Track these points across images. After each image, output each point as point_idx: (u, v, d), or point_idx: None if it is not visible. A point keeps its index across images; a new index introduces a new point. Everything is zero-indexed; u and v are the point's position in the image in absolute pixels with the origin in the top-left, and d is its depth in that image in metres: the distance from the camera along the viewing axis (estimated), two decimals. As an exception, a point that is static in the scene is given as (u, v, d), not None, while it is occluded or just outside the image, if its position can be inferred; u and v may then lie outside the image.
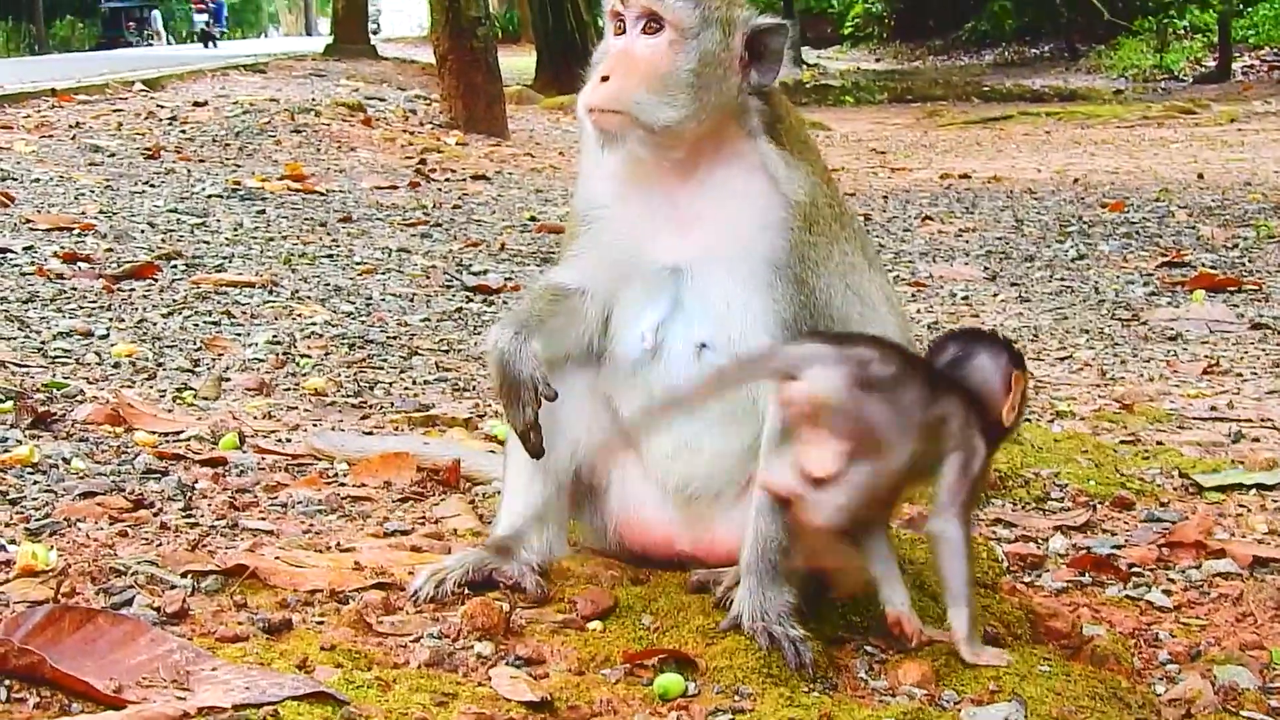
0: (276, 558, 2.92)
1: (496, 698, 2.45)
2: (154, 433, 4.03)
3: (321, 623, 2.66)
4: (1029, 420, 4.89)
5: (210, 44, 47.93)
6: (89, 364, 4.91)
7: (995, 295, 7.27)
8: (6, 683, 2.27)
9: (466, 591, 2.80)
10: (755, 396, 2.79)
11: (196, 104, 15.59)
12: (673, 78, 2.74)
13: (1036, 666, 2.73)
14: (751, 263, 2.77)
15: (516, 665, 2.58)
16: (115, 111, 14.53)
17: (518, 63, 31.10)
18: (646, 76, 2.75)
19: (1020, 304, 7.06)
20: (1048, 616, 3.08)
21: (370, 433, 4.25)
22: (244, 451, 3.93)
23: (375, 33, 61.76)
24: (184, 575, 2.79)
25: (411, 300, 6.66)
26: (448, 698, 2.42)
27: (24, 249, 7.03)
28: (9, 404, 4.10)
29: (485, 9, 16.86)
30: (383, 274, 7.28)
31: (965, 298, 7.21)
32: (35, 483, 3.42)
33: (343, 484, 3.62)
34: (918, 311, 6.83)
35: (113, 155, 11.33)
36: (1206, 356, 5.92)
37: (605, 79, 2.77)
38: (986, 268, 8.05)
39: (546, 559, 2.92)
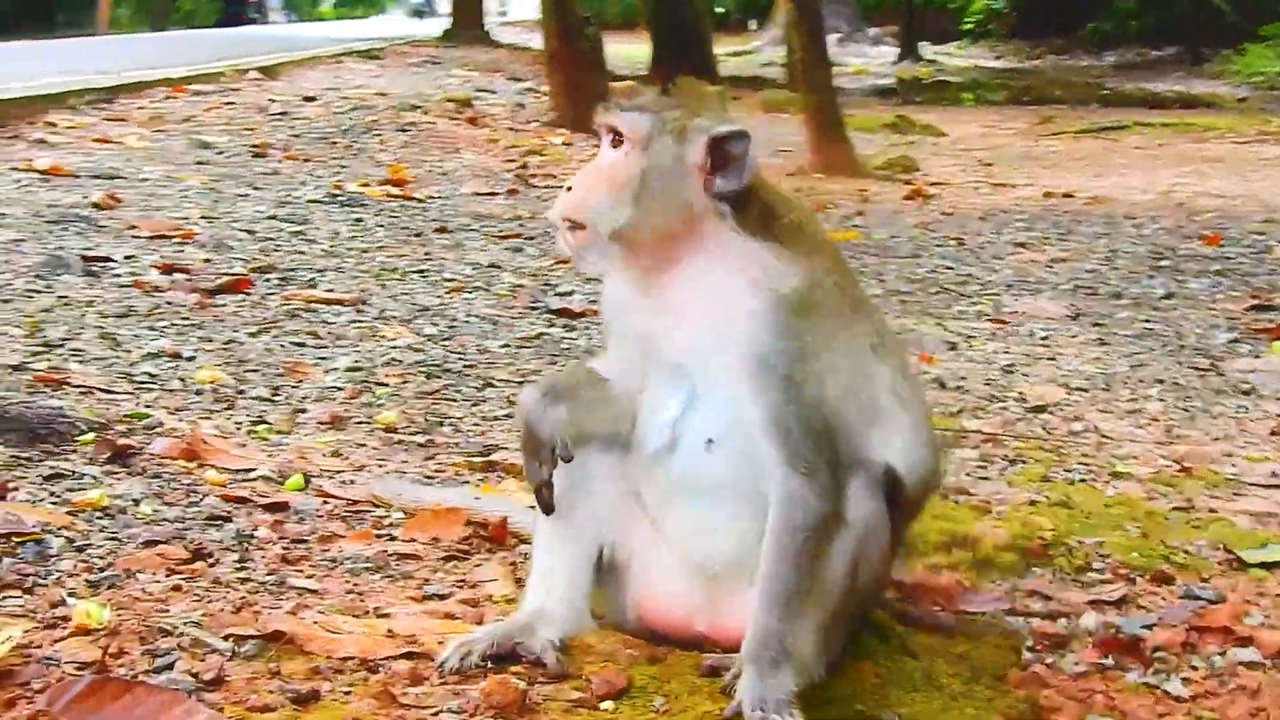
0: (315, 622, 3.09)
1: (503, 779, 2.59)
2: (225, 470, 4.22)
3: (348, 693, 2.82)
4: (1084, 481, 4.96)
5: (422, 17, 48.64)
6: (172, 390, 5.11)
7: (1075, 336, 7.30)
8: (46, 751, 2.45)
9: (489, 665, 2.94)
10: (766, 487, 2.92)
11: (306, 99, 15.88)
12: (626, 187, 2.92)
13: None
14: (738, 357, 2.92)
15: (527, 745, 2.73)
16: (227, 104, 14.86)
17: (634, 52, 31.19)
18: (604, 186, 2.95)
19: (1099, 347, 7.09)
20: (1051, 710, 3.17)
21: (431, 477, 4.41)
22: (307, 494, 4.10)
23: (503, 14, 62.19)
24: (226, 638, 2.96)
25: (495, 324, 6.80)
26: (456, 778, 2.57)
27: (125, 258, 7.28)
28: (91, 436, 4.31)
29: (593, 8, 17.00)
30: (470, 293, 7.43)
31: (1044, 338, 7.25)
32: (103, 529, 3.60)
33: (393, 538, 3.78)
34: (994, 352, 6.88)
35: (220, 153, 11.62)
36: (1278, 415, 5.94)
37: (569, 189, 2.98)
38: (1071, 304, 8.07)
39: (569, 634, 3.06)
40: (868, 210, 11.92)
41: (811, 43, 15.16)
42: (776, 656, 2.85)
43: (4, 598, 3.08)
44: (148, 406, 4.82)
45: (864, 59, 37.86)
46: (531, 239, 9.25)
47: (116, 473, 4.09)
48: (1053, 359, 6.81)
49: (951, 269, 9.16)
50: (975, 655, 3.28)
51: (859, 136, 17.83)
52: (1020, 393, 6.13)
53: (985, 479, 4.96)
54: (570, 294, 7.63)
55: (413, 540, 3.77)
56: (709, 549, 3.02)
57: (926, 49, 39.41)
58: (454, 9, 37.34)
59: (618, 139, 2.98)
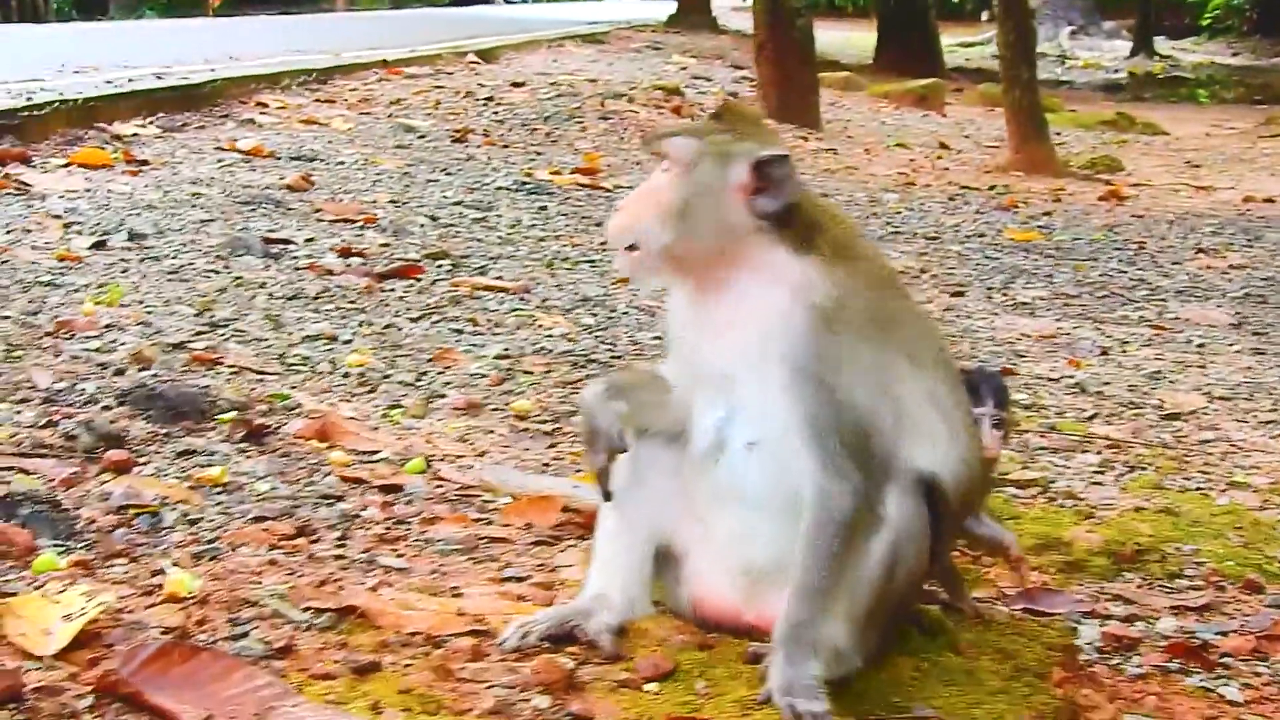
0: (391, 599, 3.31)
1: (535, 751, 2.79)
2: (351, 451, 4.48)
3: (409, 666, 3.04)
4: (1199, 490, 4.99)
5: None
6: (321, 372, 5.39)
7: (1231, 345, 7.26)
8: (116, 706, 2.70)
9: (547, 645, 3.15)
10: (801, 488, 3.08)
11: (515, 84, 16.24)
12: (671, 207, 3.11)
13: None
14: (776, 364, 3.09)
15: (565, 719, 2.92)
16: (438, 88, 15.26)
17: (861, 40, 31.12)
18: (652, 207, 3.15)
19: (1253, 355, 7.04)
20: (1089, 709, 3.26)
21: (548, 465, 4.62)
22: (423, 478, 4.34)
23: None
24: (304, 610, 3.20)
25: (652, 316, 6.98)
26: (491, 748, 2.77)
27: (305, 241, 7.62)
28: (231, 415, 4.61)
29: (806, -1, 17.09)
30: (634, 285, 7.62)
31: (1200, 345, 7.22)
32: (218, 504, 3.88)
33: (489, 522, 3.99)
34: (1145, 358, 6.88)
35: (422, 137, 12.00)
36: None
37: (622, 210, 3.21)
38: (1237, 313, 8.01)
39: (626, 619, 3.25)
40: (1057, 210, 11.87)
41: (1017, 38, 15.07)
42: (805, 645, 3.01)
43: (110, 566, 3.36)
44: (294, 388, 5.11)
45: (1096, 53, 37.23)
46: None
47: (248, 451, 4.38)
48: (1203, 367, 6.79)
49: (1125, 273, 9.12)
50: (1023, 653, 3.38)
51: (1072, 133, 17.69)
52: (1160, 400, 6.13)
53: (1099, 484, 5.02)
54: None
55: (508, 525, 3.98)
56: (751, 553, 3.19)
57: (1162, 44, 38.58)
58: (681, -5, 37.57)
59: (670, 164, 3.15)
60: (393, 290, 6.89)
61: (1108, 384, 6.38)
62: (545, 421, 5.15)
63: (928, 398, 3.20)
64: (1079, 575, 4.24)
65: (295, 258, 7.31)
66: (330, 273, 7.06)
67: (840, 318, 3.11)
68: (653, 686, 3.07)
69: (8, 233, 7.18)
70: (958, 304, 7.95)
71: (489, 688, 2.99)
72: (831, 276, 3.13)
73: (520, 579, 3.59)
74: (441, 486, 4.29)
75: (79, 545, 3.45)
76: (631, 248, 3.17)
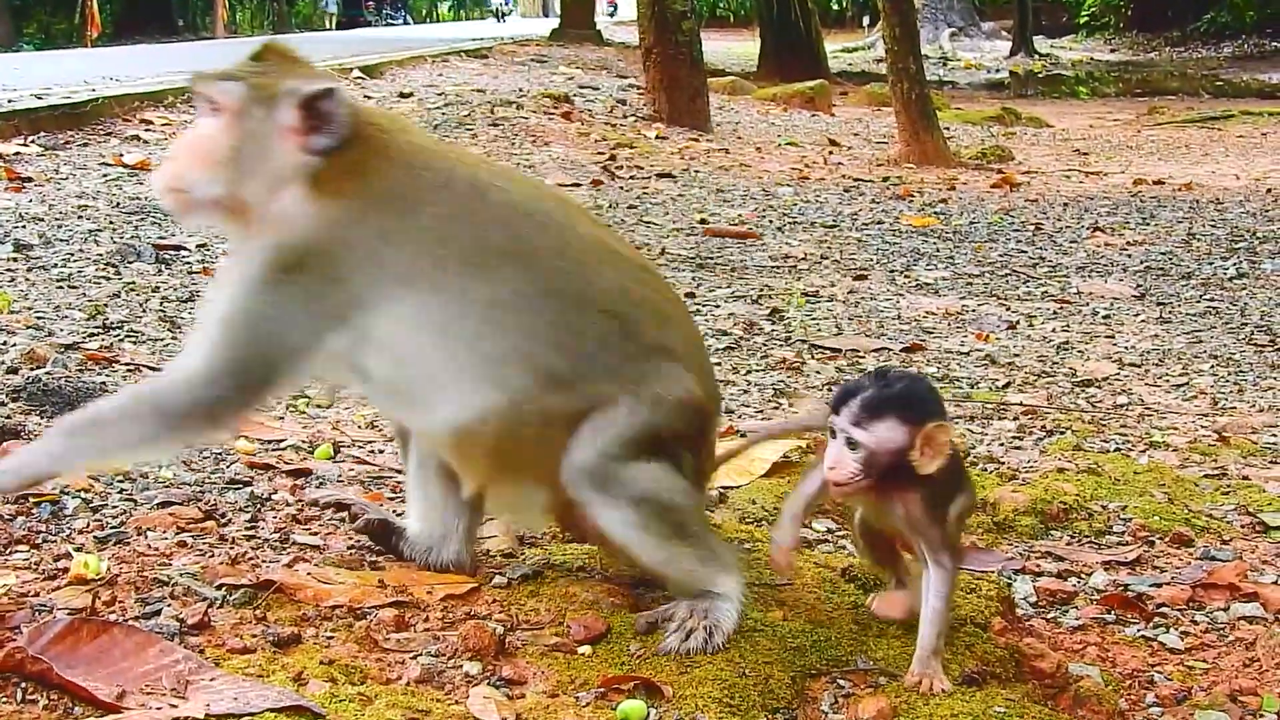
0: (309, 574, 3.19)
1: (466, 716, 2.68)
2: (256, 439, 4.34)
3: (331, 638, 2.92)
4: (1118, 450, 4.97)
5: (501, 19, 49.31)
6: (220, 368, 5.24)
7: (1137, 315, 7.27)
8: (23, 686, 2.56)
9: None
10: None
11: (402, 95, 16.09)
12: (221, 154, 2.96)
13: (993, 706, 2.88)
14: None
15: (497, 685, 2.81)
16: (324, 102, 15.08)
17: (744, 49, 31.23)
18: (199, 156, 2.98)
19: (1159, 325, 7.06)
20: (1034, 657, 3.20)
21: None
22: (335, 462, 4.21)
23: (612, 14, 62.40)
24: (218, 588, 3.07)
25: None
26: (421, 714, 2.65)
27: (197, 246, 7.46)
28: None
29: (690, 2, 17.06)
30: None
31: (1106, 317, 7.23)
32: (121, 490, 3.73)
33: (404, 501, 3.87)
34: (1053, 330, 6.88)
35: (310, 148, 11.81)
36: (1332, 388, 5.89)
37: (170, 159, 3.04)
38: (1139, 285, 8.04)
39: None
40: (952, 198, 11.90)
41: (902, 32, 15.14)
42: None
43: (12, 553, 3.21)
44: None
45: (977, 53, 37.64)
46: (609, 226, 9.32)
47: (149, 442, 4.23)
48: (1111, 337, 6.79)
49: (1025, 252, 9.14)
50: (961, 606, 3.32)
51: (961, 129, 17.81)
52: (1071, 368, 6.12)
53: (1019, 449, 4.98)
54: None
55: (423, 502, 3.86)
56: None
57: (1041, 43, 39.04)
58: (564, 8, 37.55)
59: (215, 108, 3.00)
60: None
61: (1017, 355, 6.36)
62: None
63: (460, 322, 2.98)
64: (1008, 535, 4.20)
65: (188, 263, 7.15)
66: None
67: (334, 253, 2.95)
68: (585, 649, 2.97)
69: (-116, 252, 6.97)
70: (861, 286, 7.92)
71: (415, 656, 2.88)
72: (337, 207, 2.97)
73: (440, 551, 3.47)
74: (354, 470, 4.17)
75: (-21, 534, 3.29)
76: (179, 193, 3.00)
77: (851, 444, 2.96)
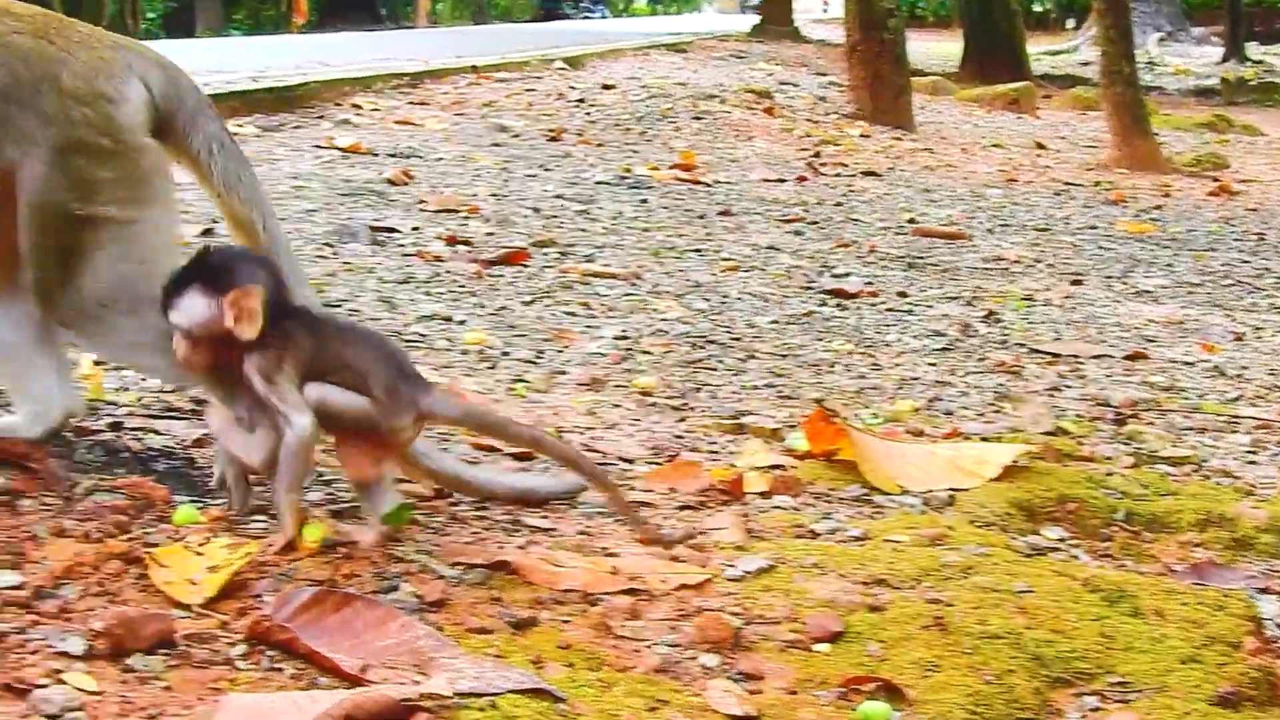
0: (542, 557, 3.16)
1: (705, 708, 2.62)
2: (479, 422, 4.33)
3: (566, 622, 2.88)
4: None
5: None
6: (439, 349, 5.27)
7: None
8: (270, 654, 2.56)
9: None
10: None
11: (605, 86, 16.13)
12: None
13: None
14: None
15: (735, 679, 2.75)
16: (529, 90, 15.18)
17: (946, 49, 30.89)
18: None
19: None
20: (1288, 680, 3.07)
21: (680, 438, 4.46)
22: (556, 446, 4.19)
23: (825, 10, 62.09)
24: (453, 566, 3.06)
25: (765, 301, 6.83)
26: (660, 704, 2.61)
27: (411, 229, 7.52)
28: (354, 386, 4.48)
29: (901, 3, 16.89)
30: (745, 272, 7.48)
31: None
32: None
33: (632, 488, 3.83)
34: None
35: (517, 136, 11.90)
36: None
37: None
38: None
39: None
40: (1167, 204, 11.62)
41: (1117, 37, 14.82)
42: None
43: (250, 522, 3.23)
44: (415, 363, 4.97)
45: (1186, 59, 36.74)
46: (814, 223, 9.26)
47: (376, 419, 4.24)
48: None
49: (1248, 262, 8.88)
50: (1211, 623, 3.19)
51: (1171, 135, 17.41)
52: (1306, 384, 5.92)
53: (1254, 464, 4.81)
54: (847, 275, 7.63)
55: (651, 490, 3.82)
56: None
57: (1254, 49, 38.03)
58: (763, 6, 37.50)
59: None
60: (502, 276, 6.76)
61: (1246, 368, 6.16)
62: (672, 397, 4.99)
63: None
64: (1247, 553, 4.04)
65: (402, 245, 7.21)
66: (439, 259, 6.95)
67: None
68: (823, 647, 2.90)
69: (113, 222, 7.11)
70: (1077, 291, 7.74)
71: (651, 645, 2.84)
72: None
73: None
74: (575, 455, 4.14)
75: (215, 502, 3.32)
76: None
77: (174, 326, 3.08)
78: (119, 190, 3.20)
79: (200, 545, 2.96)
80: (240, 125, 11.03)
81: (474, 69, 16.64)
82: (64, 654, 2.46)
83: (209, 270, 3.07)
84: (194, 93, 3.36)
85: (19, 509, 3.10)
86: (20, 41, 3.15)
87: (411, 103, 13.64)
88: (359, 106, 12.77)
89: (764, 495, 3.85)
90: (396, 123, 12.04)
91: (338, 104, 12.78)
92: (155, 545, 2.97)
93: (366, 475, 3.17)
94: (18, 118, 3.09)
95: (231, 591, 2.79)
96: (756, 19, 37.58)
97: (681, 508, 3.72)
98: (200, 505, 3.26)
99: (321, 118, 12.05)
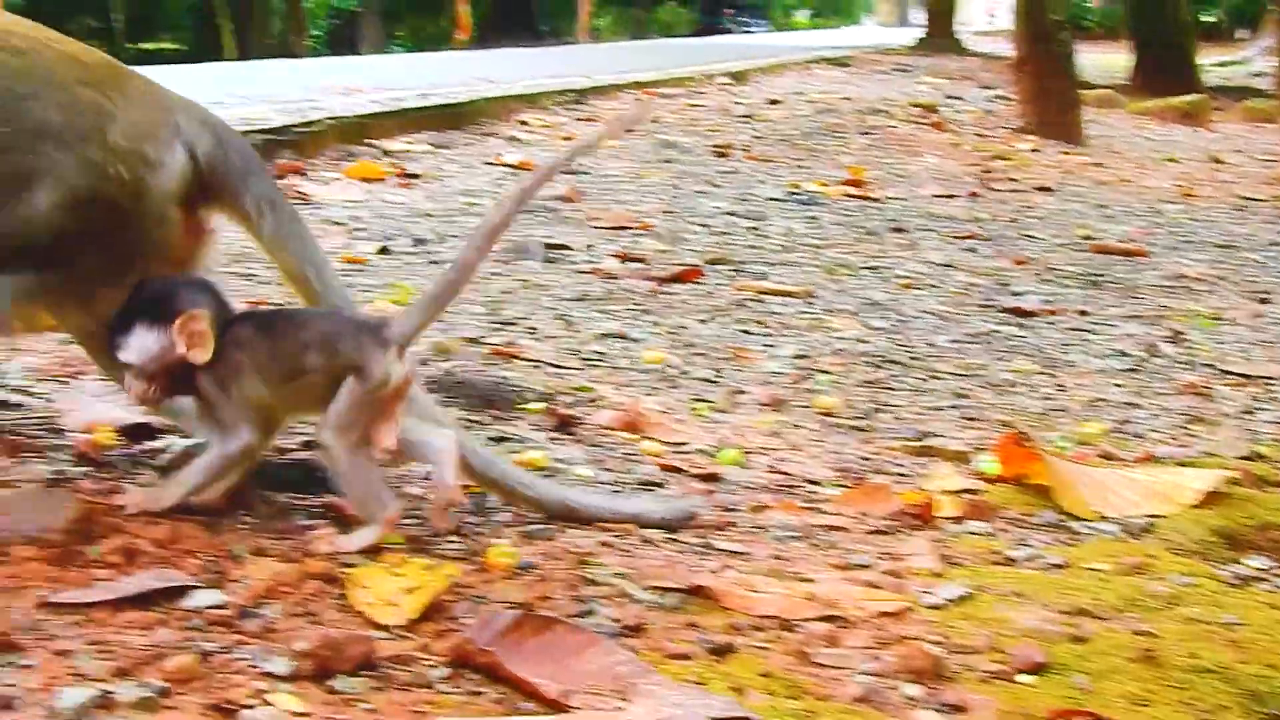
0: (736, 582, 3.12)
1: (913, 741, 2.57)
2: (662, 441, 4.31)
3: (764, 649, 2.84)
4: None
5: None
6: (619, 368, 5.26)
7: None
8: (472, 677, 2.55)
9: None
10: None
11: (771, 102, 16.08)
12: None
13: None
14: None
15: (940, 710, 2.68)
16: (694, 106, 15.18)
17: (1114, 61, 30.38)
18: None
19: None
20: None
21: (866, 459, 4.40)
22: (741, 468, 4.15)
23: (992, 19, 61.50)
24: (647, 590, 3.03)
25: (944, 319, 6.74)
26: (865, 736, 2.56)
27: (585, 247, 7.54)
28: (538, 404, 4.48)
29: (1066, 12, 16.64)
30: (921, 289, 7.39)
31: None
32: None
33: (821, 511, 3.78)
34: None
35: (684, 152, 11.89)
36: None
37: None
38: None
39: None
40: (1351, 220, 11.29)
41: (1296, 46, 14.46)
42: None
43: (445, 542, 3.23)
44: (593, 382, 4.97)
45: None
46: (989, 240, 9.13)
47: (560, 439, 4.24)
48: None
49: None
50: None
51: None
52: None
53: None
54: (1025, 293, 7.50)
55: (840, 514, 3.77)
56: None
57: None
58: (929, 18, 37.25)
59: None
60: (676, 293, 6.74)
61: None
62: (854, 418, 4.93)
63: None
64: None
65: (574, 262, 7.23)
66: (612, 276, 6.95)
67: None
68: (1027, 679, 2.83)
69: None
70: (1265, 310, 7.55)
71: (851, 675, 2.78)
72: None
73: (865, 566, 3.37)
74: (762, 477, 4.09)
75: (407, 522, 3.32)
76: None
77: (126, 366, 3.06)
78: (116, 248, 3.24)
79: (397, 566, 2.96)
80: (410, 143, 11.17)
81: (638, 85, 16.69)
82: (269, 674, 2.46)
83: (148, 303, 3.08)
84: (244, 154, 3.39)
85: (217, 527, 3.12)
86: (82, 92, 3.21)
87: (578, 119, 13.72)
88: (526, 123, 12.86)
89: (956, 520, 3.78)
90: (564, 139, 12.11)
91: (505, 120, 12.88)
92: (352, 565, 2.97)
93: (392, 436, 3.14)
94: (56, 156, 3.13)
95: (429, 613, 2.78)
96: (917, 32, 37.36)
97: (872, 532, 3.66)
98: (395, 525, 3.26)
99: (490, 134, 12.15)
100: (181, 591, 2.74)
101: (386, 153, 10.59)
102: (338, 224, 7.77)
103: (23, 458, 3.47)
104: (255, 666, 2.48)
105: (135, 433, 3.69)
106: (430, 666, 2.58)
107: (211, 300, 3.13)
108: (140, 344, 3.05)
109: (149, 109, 3.29)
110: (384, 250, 7.12)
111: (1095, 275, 8.19)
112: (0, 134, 3.10)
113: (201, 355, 3.06)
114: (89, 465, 3.47)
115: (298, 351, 3.12)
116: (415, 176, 9.73)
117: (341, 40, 44.03)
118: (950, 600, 3.16)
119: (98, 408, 3.78)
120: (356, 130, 10.90)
